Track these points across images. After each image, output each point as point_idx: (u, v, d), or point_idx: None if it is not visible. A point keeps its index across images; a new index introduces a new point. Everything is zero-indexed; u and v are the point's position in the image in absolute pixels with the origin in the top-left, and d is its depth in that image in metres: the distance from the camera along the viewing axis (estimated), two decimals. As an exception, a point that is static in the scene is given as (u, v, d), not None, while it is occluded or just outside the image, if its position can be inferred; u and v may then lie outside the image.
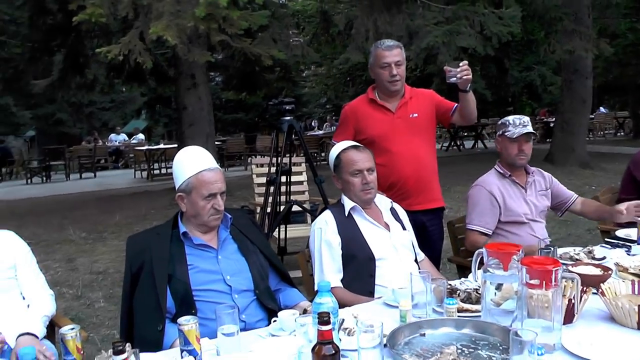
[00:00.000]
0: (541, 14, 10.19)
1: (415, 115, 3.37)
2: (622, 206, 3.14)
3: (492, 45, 8.46)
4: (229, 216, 2.48)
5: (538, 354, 1.51)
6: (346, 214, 2.71)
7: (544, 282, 1.74)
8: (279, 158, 4.21)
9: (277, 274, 2.60)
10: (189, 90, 9.65)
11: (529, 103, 26.11)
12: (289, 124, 4.21)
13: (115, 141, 20.05)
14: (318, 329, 1.43)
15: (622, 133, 22.40)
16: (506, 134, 3.23)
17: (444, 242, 3.61)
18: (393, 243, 2.71)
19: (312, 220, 5.06)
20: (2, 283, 2.49)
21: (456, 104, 3.41)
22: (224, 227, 2.46)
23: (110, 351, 1.75)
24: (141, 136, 20.73)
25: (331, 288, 2.41)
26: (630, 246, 2.94)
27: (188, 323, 1.75)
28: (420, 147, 3.37)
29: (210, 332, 2.16)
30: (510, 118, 3.29)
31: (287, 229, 4.77)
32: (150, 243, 2.37)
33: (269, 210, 4.23)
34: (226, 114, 27.93)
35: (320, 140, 16.43)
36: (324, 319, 1.42)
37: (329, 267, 2.61)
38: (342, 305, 2.31)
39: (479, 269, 2.14)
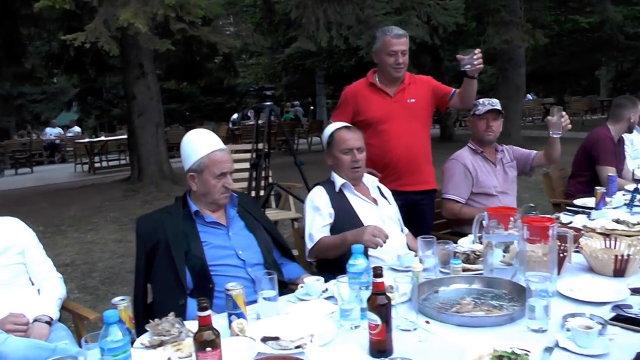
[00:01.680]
0: (481, 4, 10.67)
1: (413, 100, 3.51)
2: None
3: (438, 35, 8.83)
4: (235, 195, 2.61)
5: (542, 296, 1.77)
6: (337, 189, 2.89)
7: (542, 238, 2.03)
8: (263, 143, 4.33)
9: (279, 249, 2.75)
10: (137, 79, 9.54)
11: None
12: (270, 108, 4.33)
13: (51, 135, 19.32)
14: (373, 281, 1.64)
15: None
16: (475, 112, 3.55)
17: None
18: (381, 216, 2.92)
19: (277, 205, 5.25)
20: (12, 268, 2.52)
21: (454, 89, 3.60)
22: (232, 206, 2.59)
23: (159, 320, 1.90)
24: (77, 129, 20.08)
25: (318, 239, 2.71)
26: (589, 212, 3.30)
27: (236, 288, 1.87)
28: (415, 131, 3.52)
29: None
30: (481, 100, 3.61)
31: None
32: (163, 222, 2.47)
33: (253, 193, 4.35)
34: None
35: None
36: (377, 272, 1.63)
37: (318, 224, 2.79)
38: (332, 249, 2.66)
39: (479, 233, 2.42)
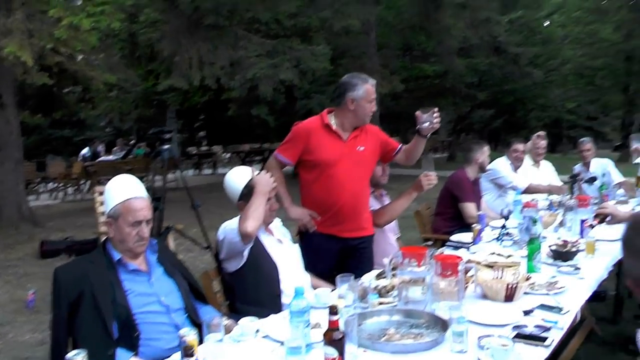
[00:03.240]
0: (345, 51, 11.39)
1: (362, 148, 3.58)
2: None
3: (307, 79, 9.29)
4: (154, 241, 2.66)
5: (460, 322, 2.08)
6: None
7: (453, 272, 2.36)
8: (163, 185, 4.33)
9: (193, 293, 2.77)
10: (-4, 112, 8.89)
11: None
12: (170, 154, 4.35)
13: None
14: (329, 319, 1.83)
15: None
16: None
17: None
18: (287, 255, 3.11)
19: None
20: None
21: (401, 145, 3.78)
22: (152, 252, 2.63)
23: None
24: None
25: None
26: (468, 246, 3.75)
27: (189, 333, 1.92)
28: (360, 178, 3.62)
29: (153, 351, 2.39)
30: None
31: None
32: (86, 271, 2.44)
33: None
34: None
35: (115, 165, 15.61)
36: (333, 310, 1.83)
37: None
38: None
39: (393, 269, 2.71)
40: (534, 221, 3.32)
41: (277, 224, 3.26)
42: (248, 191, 3.00)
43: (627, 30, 26.14)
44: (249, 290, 2.92)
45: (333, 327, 1.82)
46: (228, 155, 23.03)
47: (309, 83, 9.84)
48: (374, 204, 3.99)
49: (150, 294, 2.51)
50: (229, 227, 2.92)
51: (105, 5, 7.35)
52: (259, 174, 2.99)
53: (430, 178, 3.64)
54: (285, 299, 2.93)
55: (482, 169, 5.16)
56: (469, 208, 4.88)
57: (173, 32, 8.58)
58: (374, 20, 13.00)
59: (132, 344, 2.36)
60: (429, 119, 3.46)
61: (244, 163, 19.45)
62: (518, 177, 5.73)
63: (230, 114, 21.72)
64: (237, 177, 3.11)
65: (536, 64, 25.92)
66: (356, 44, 12.35)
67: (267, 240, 3.07)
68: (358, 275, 3.05)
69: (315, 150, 3.50)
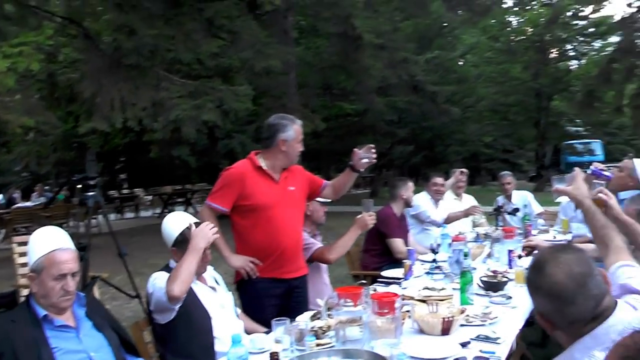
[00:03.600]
0: (265, 91, 11.48)
1: (293, 188, 3.60)
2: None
3: (229, 119, 9.26)
4: (82, 295, 2.53)
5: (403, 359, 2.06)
6: None
7: (390, 310, 2.34)
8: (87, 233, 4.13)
9: (124, 346, 2.66)
10: None
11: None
12: (95, 200, 4.18)
13: None
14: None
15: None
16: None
17: None
18: (220, 302, 3.03)
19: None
20: None
21: (325, 182, 3.82)
22: (80, 306, 2.50)
23: None
24: None
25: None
26: (400, 282, 3.77)
27: None
28: (297, 218, 3.62)
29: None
30: None
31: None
32: (7, 332, 2.28)
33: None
34: None
35: (32, 212, 14.83)
36: (274, 357, 1.76)
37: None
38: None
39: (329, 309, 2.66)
40: (465, 254, 3.38)
41: (209, 271, 3.17)
42: (182, 239, 2.90)
43: (535, 70, 27.89)
44: (181, 343, 2.81)
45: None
46: (150, 197, 22.43)
47: (230, 123, 9.79)
48: (312, 241, 3.95)
49: (79, 350, 2.38)
50: (157, 285, 2.79)
51: (24, 47, 7.09)
52: (197, 225, 2.86)
53: (373, 217, 3.75)
54: (219, 346, 2.84)
55: (407, 205, 5.26)
56: (397, 243, 4.95)
57: (93, 72, 8.34)
58: (294, 60, 13.24)
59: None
60: (367, 156, 3.56)
61: (166, 206, 19.04)
62: (436, 211, 5.85)
63: (152, 156, 21.30)
64: (174, 222, 3.00)
65: (453, 102, 26.99)
66: (277, 84, 12.47)
67: (199, 289, 2.97)
68: (298, 314, 3.06)
69: (252, 195, 3.45)
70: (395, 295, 2.46)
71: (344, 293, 2.48)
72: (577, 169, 2.89)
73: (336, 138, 24.50)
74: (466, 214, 5.80)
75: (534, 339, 4.65)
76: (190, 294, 2.87)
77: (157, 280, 2.78)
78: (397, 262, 4.75)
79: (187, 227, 2.92)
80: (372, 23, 15.04)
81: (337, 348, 2.42)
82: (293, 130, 3.51)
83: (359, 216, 3.78)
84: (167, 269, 2.94)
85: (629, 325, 1.50)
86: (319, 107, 20.60)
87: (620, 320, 1.57)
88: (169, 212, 18.91)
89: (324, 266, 4.19)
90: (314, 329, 2.71)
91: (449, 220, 5.66)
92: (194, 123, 8.36)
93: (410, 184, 5.26)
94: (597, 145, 29.23)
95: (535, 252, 3.74)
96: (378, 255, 5.05)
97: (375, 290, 3.50)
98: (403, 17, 22.37)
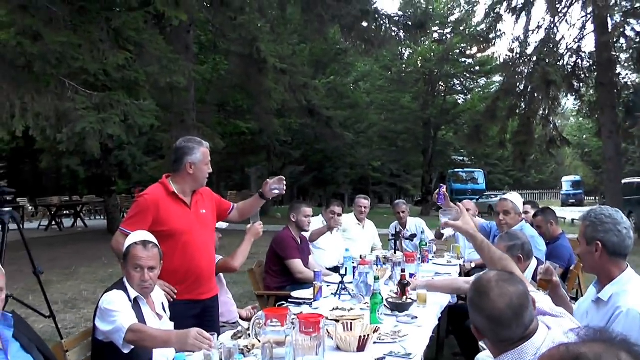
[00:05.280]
0: (168, 107, 11.36)
1: (204, 211, 3.66)
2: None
3: (134, 134, 9.09)
4: (9, 315, 2.50)
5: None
6: (132, 299, 2.94)
7: (315, 330, 2.55)
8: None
9: None
10: None
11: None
12: (10, 215, 4.02)
13: None
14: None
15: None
16: None
17: None
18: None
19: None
20: None
21: (233, 204, 3.94)
22: (7, 327, 2.46)
23: None
24: None
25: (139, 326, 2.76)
26: (310, 302, 3.97)
27: None
28: (209, 241, 3.70)
29: None
30: None
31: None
32: None
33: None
34: None
35: None
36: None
37: (127, 317, 2.80)
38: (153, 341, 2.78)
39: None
40: (376, 278, 3.64)
41: (158, 296, 3.21)
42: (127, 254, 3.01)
43: (424, 101, 29.55)
44: None
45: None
46: (33, 209, 21.23)
47: (134, 137, 9.65)
48: None
49: None
50: (120, 320, 2.77)
51: None
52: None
53: (262, 225, 4.01)
54: None
55: (300, 228, 5.38)
56: (295, 264, 5.14)
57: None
58: (193, 77, 13.24)
59: None
60: (278, 187, 3.78)
61: (54, 218, 18.12)
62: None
63: (43, 166, 20.20)
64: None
65: (345, 126, 27.89)
66: (178, 100, 12.42)
67: (147, 313, 3.01)
68: (211, 332, 3.15)
69: (167, 221, 3.47)
70: (320, 315, 2.66)
71: (271, 314, 2.65)
72: (460, 205, 3.26)
73: (229, 156, 24.48)
74: (329, 227, 5.86)
75: (428, 355, 5.02)
76: (139, 315, 2.91)
77: (118, 317, 2.78)
78: (299, 283, 4.97)
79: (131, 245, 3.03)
80: (276, 47, 15.37)
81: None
82: (200, 153, 3.56)
83: (249, 226, 4.00)
84: (121, 287, 2.98)
85: (550, 341, 1.82)
86: (214, 125, 20.57)
87: (540, 338, 1.89)
88: (57, 225, 18.11)
89: (224, 282, 4.40)
90: (240, 347, 2.86)
91: (312, 237, 5.82)
92: (99, 136, 8.15)
93: (305, 209, 5.38)
94: (479, 174, 31.39)
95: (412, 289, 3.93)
96: (278, 275, 5.22)
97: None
98: (299, 40, 22.93)
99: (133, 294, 2.96)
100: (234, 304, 4.51)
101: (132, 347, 2.79)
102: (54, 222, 18.20)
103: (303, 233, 5.52)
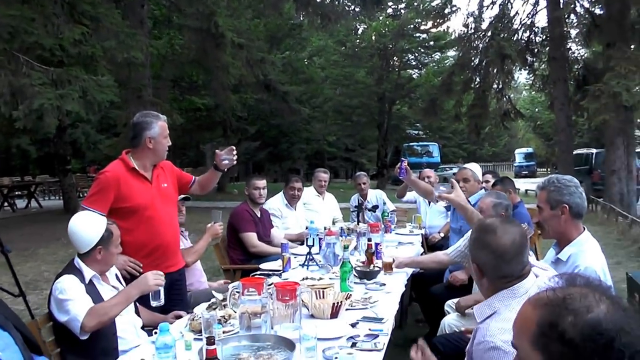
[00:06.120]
0: (126, 83, 11.17)
1: (165, 185, 3.72)
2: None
3: (94, 110, 8.91)
4: None
5: (307, 339, 2.37)
6: (87, 280, 2.94)
7: (292, 297, 2.64)
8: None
9: (28, 345, 2.60)
10: None
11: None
12: None
13: None
14: (207, 349, 1.97)
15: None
16: None
17: None
18: None
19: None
20: None
21: (194, 177, 3.99)
22: None
23: None
24: None
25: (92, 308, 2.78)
26: (280, 273, 4.08)
27: None
28: (172, 214, 3.76)
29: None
30: None
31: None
32: None
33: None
34: None
35: None
36: (210, 341, 1.98)
37: (83, 304, 2.82)
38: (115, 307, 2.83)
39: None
40: (345, 246, 3.75)
41: (112, 270, 3.23)
42: (107, 235, 3.02)
43: (379, 75, 29.69)
44: (82, 344, 2.82)
45: (211, 356, 1.96)
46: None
47: (93, 114, 9.49)
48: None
49: None
50: (74, 308, 2.78)
51: None
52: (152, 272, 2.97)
53: (222, 226, 4.25)
54: (122, 346, 2.94)
55: (252, 201, 5.47)
56: (249, 237, 5.26)
57: None
58: (150, 52, 13.05)
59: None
60: (228, 157, 3.81)
61: (5, 199, 17.65)
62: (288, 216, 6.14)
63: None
64: (90, 225, 3.03)
65: (301, 101, 27.86)
66: (136, 76, 12.20)
67: (103, 290, 3.02)
68: (179, 305, 3.43)
69: (129, 197, 3.51)
70: (296, 283, 2.76)
71: (248, 283, 2.72)
72: (453, 180, 3.46)
73: (184, 132, 24.21)
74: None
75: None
76: (95, 295, 2.92)
77: (72, 305, 2.79)
78: (259, 256, 5.06)
79: (109, 224, 3.07)
80: (233, 22, 15.18)
81: (243, 334, 2.66)
82: (158, 127, 3.59)
83: (209, 225, 4.18)
84: (74, 270, 2.96)
85: (536, 287, 1.99)
86: (169, 101, 20.28)
87: (530, 282, 2.09)
88: (10, 206, 17.64)
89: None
90: (218, 318, 2.93)
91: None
92: (57, 113, 7.95)
93: (254, 182, 5.47)
94: (434, 148, 31.90)
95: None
96: (238, 248, 5.32)
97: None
98: (254, 15, 22.69)
99: (88, 274, 2.96)
100: (203, 275, 4.58)
101: (88, 334, 2.80)
102: (6, 203, 17.71)
103: (263, 206, 5.63)
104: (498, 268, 2.08)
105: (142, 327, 3.21)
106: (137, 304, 3.25)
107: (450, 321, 3.71)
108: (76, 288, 2.86)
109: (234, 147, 3.85)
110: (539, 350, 1.18)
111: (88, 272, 2.96)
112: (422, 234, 5.99)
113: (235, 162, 3.83)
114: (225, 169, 3.90)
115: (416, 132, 36.58)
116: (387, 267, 3.96)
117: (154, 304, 3.02)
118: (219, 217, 4.21)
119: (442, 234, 6.17)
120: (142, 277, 2.87)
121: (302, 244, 5.42)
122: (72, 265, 3.01)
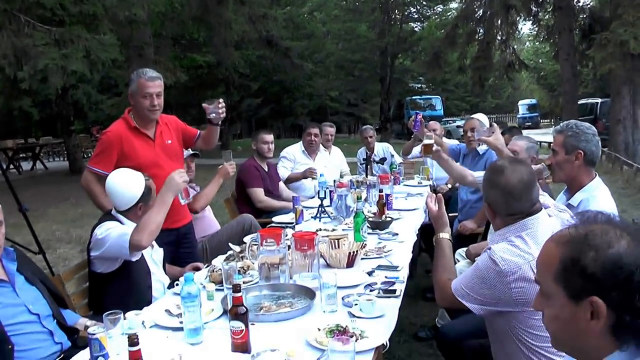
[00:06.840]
0: (127, 42, 11.07)
1: (170, 142, 3.71)
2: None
3: (98, 69, 8.87)
4: (11, 249, 2.56)
5: (328, 287, 2.43)
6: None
7: (310, 247, 2.71)
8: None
9: (54, 299, 2.70)
10: None
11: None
12: None
13: None
14: (233, 296, 2.04)
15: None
16: None
17: None
18: (157, 258, 3.24)
19: None
20: None
21: (199, 131, 3.98)
22: (10, 260, 2.51)
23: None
24: None
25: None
26: (293, 226, 4.14)
27: (99, 330, 1.95)
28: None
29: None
30: None
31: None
32: None
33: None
34: None
35: None
36: (237, 288, 2.04)
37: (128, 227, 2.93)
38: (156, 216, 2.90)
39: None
40: (358, 197, 3.80)
41: None
42: (147, 192, 3.06)
43: (380, 29, 29.31)
44: (119, 295, 2.90)
45: (237, 303, 2.02)
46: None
47: (97, 73, 9.45)
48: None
49: (18, 304, 2.43)
50: (116, 232, 2.87)
51: None
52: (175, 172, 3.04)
53: (233, 166, 4.12)
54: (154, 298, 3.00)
55: (260, 156, 5.51)
56: (256, 193, 5.31)
57: None
58: (152, 10, 12.90)
59: (5, 358, 2.27)
60: (215, 111, 3.76)
61: (11, 162, 17.73)
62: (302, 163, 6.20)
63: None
64: (130, 182, 3.05)
65: (303, 57, 27.60)
66: (136, 34, 12.09)
67: None
68: (189, 260, 3.47)
69: (133, 156, 3.51)
70: (315, 233, 2.82)
71: (266, 234, 2.78)
72: (495, 125, 3.54)
73: (187, 90, 24.11)
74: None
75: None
76: None
77: (113, 230, 2.88)
78: (271, 211, 5.12)
79: (147, 180, 3.08)
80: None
81: (263, 284, 2.73)
82: (136, 84, 3.54)
83: (221, 166, 4.13)
84: (112, 218, 3.03)
85: (549, 227, 2.08)
86: (170, 59, 20.11)
87: (541, 219, 2.21)
88: (16, 168, 17.74)
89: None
90: (237, 269, 3.01)
91: (289, 180, 6.00)
92: (62, 73, 7.92)
93: (262, 136, 5.49)
94: (437, 101, 31.65)
95: None
96: (249, 203, 5.35)
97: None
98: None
99: (130, 226, 3.00)
100: (214, 220, 4.66)
101: (139, 255, 2.91)
102: (11, 166, 17.80)
103: (270, 160, 5.65)
104: (508, 205, 2.21)
105: None
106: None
107: (461, 268, 3.78)
108: (116, 225, 2.94)
109: (222, 100, 3.80)
110: (561, 285, 1.23)
111: (129, 224, 3.01)
112: (430, 185, 6.04)
113: (223, 115, 3.78)
114: (219, 123, 3.85)
115: (419, 85, 36.32)
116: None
117: (183, 202, 3.16)
118: (231, 157, 4.12)
119: (449, 185, 6.22)
120: (168, 180, 2.92)
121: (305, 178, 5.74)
122: (110, 215, 3.07)
